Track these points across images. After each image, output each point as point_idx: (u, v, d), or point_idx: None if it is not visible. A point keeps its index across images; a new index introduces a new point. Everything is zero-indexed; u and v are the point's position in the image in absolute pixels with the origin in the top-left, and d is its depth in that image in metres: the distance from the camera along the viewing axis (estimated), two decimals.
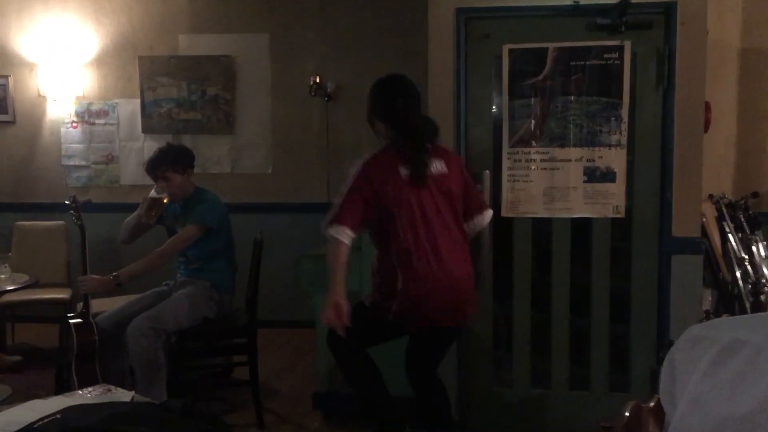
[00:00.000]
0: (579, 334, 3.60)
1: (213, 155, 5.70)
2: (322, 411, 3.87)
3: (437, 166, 2.88)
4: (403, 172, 2.81)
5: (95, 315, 3.64)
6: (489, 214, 3.08)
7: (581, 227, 3.51)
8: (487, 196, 3.49)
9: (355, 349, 2.91)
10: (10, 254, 4.58)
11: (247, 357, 3.78)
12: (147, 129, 5.72)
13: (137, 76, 5.68)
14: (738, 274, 4.09)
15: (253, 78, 5.64)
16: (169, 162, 3.69)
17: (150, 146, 5.68)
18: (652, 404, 1.02)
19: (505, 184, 3.49)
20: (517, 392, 3.65)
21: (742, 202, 4.39)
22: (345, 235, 2.71)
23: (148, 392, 3.06)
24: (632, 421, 0.95)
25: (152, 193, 3.72)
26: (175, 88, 5.67)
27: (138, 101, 5.70)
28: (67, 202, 3.68)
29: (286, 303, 5.29)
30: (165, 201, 3.71)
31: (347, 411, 3.80)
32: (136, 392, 2.07)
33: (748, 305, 4.03)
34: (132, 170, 5.70)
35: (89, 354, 3.36)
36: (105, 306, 3.88)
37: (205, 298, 3.69)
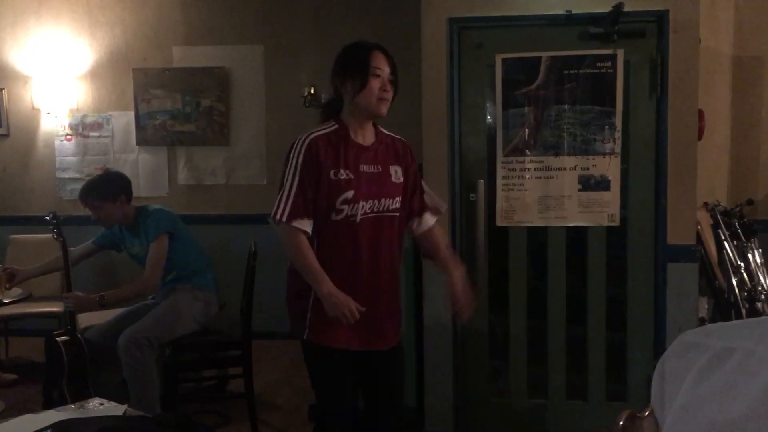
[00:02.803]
0: (575, 343, 3.59)
1: (208, 167, 5.69)
2: (318, 423, 3.85)
3: None
4: None
5: (85, 329, 3.63)
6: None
7: (576, 236, 3.51)
8: (481, 206, 3.50)
9: None
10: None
11: (242, 369, 3.76)
12: (141, 141, 5.71)
13: (131, 88, 5.68)
14: (734, 281, 4.08)
15: (247, 89, 5.64)
16: (99, 192, 3.69)
17: (144, 158, 5.68)
18: (647, 413, 1.01)
19: (500, 194, 3.49)
20: (513, 402, 3.63)
21: (737, 209, 4.38)
22: None
23: (141, 405, 3.04)
24: (627, 430, 0.94)
25: None
26: (169, 100, 5.66)
27: (132, 113, 5.69)
28: (47, 218, 3.67)
29: (282, 314, 5.24)
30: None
31: None
32: (128, 406, 2.05)
33: (744, 313, 4.02)
34: None
35: (80, 370, 3.34)
36: (95, 319, 3.86)
37: (191, 300, 3.69)
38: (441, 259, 2.61)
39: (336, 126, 2.47)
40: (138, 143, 5.72)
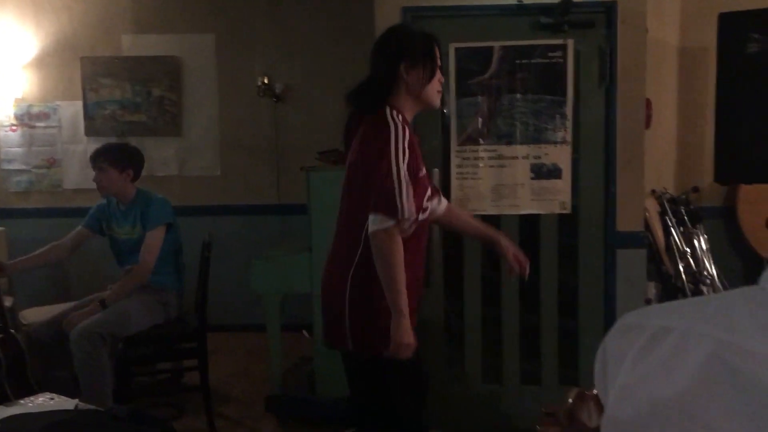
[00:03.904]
0: (529, 329, 3.64)
1: (160, 157, 5.60)
2: (275, 415, 3.84)
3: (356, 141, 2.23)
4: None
5: (28, 325, 3.54)
6: (372, 220, 2.09)
7: (529, 223, 3.56)
8: None
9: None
10: None
11: (197, 361, 3.72)
12: (90, 131, 5.59)
13: (79, 77, 5.55)
14: (681, 266, 4.20)
15: (199, 79, 5.57)
16: (110, 156, 3.65)
17: (93, 149, 5.55)
18: (594, 391, 1.04)
19: (454, 182, 3.52)
20: (468, 388, 3.68)
21: (684, 197, 4.51)
22: None
23: (94, 399, 2.99)
24: (576, 407, 0.97)
25: None
26: (118, 90, 5.55)
27: (80, 103, 5.57)
28: None
29: (237, 306, 5.23)
30: None
31: (301, 414, 3.78)
32: (80, 400, 2.02)
33: (689, 297, 4.14)
34: (75, 174, 5.55)
35: (19, 365, 3.26)
36: (38, 315, 3.77)
37: (152, 302, 3.62)
38: (479, 230, 2.51)
39: (401, 116, 2.15)
40: (87, 134, 5.59)
